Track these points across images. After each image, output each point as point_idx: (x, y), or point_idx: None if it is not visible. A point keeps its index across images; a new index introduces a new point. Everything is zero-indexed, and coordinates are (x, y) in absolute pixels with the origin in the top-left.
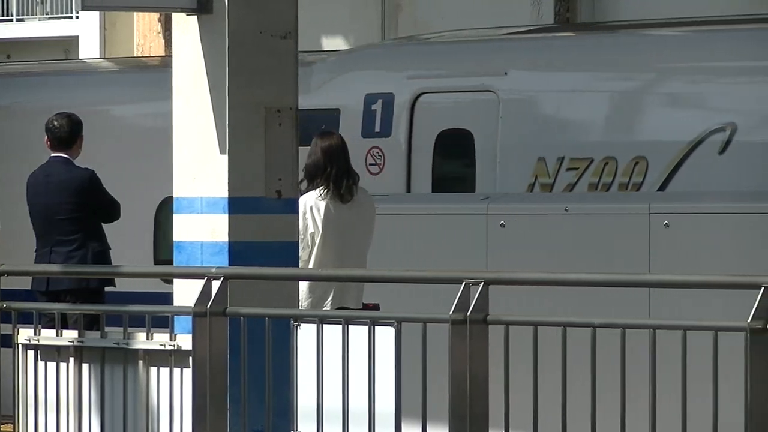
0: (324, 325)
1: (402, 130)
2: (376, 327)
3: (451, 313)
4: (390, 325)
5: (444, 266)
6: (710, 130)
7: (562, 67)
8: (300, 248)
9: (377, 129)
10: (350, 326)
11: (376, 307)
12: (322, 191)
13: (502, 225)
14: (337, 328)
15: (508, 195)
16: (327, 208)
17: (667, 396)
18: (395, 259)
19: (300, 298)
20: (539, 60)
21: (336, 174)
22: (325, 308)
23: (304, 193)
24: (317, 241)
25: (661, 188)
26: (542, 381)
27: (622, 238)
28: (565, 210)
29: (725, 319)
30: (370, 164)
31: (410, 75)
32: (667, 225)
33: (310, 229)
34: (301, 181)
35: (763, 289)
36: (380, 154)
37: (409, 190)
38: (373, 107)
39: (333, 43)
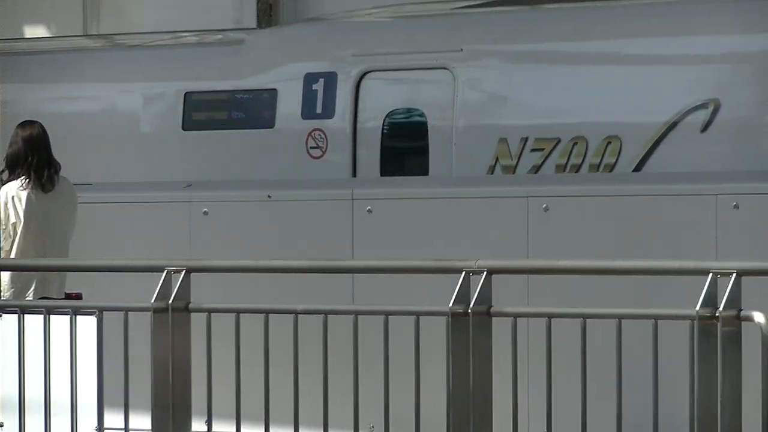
0: (26, 315)
1: (346, 112)
2: (78, 316)
3: (153, 301)
4: (92, 315)
5: (148, 255)
6: (691, 108)
7: (523, 41)
8: (2, 239)
9: (319, 110)
10: (52, 316)
11: (78, 297)
12: (23, 181)
13: (205, 213)
14: (39, 318)
15: (211, 182)
16: (29, 197)
17: (371, 381)
18: (99, 248)
19: (2, 288)
20: (498, 34)
21: (37, 163)
22: (27, 298)
23: (5, 183)
24: (19, 230)
25: (637, 169)
26: (245, 366)
27: (326, 225)
28: (268, 197)
29: (429, 304)
30: (311, 147)
31: (354, 52)
32: (370, 211)
33: (12, 219)
34: (2, 171)
35: (464, 273)
36: (322, 136)
37: (354, 174)
38: (314, 87)
39: (35, 31)
